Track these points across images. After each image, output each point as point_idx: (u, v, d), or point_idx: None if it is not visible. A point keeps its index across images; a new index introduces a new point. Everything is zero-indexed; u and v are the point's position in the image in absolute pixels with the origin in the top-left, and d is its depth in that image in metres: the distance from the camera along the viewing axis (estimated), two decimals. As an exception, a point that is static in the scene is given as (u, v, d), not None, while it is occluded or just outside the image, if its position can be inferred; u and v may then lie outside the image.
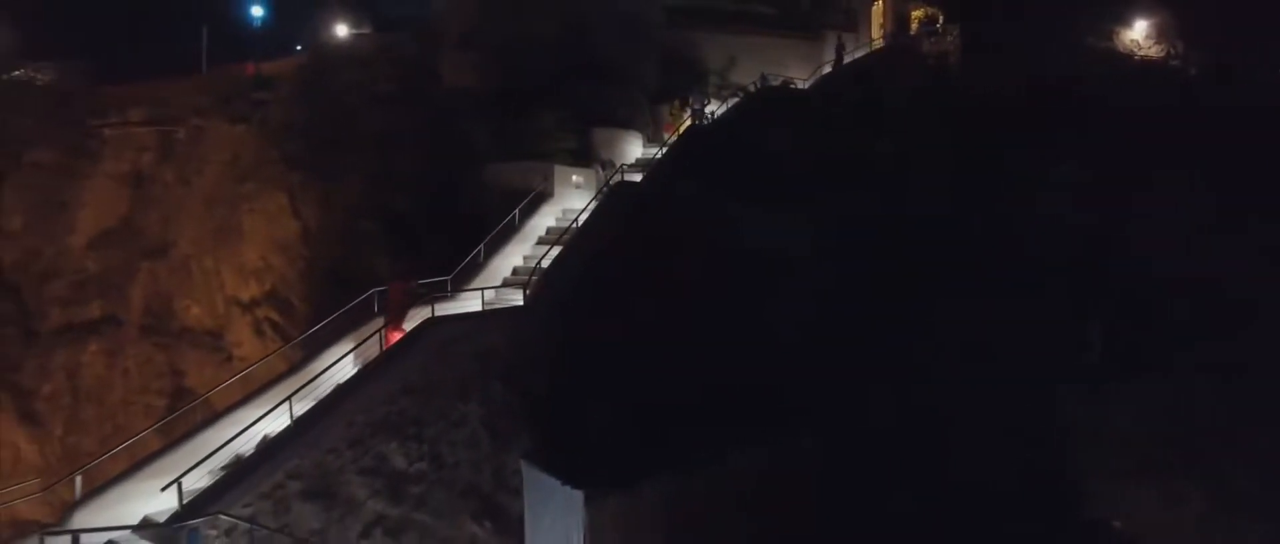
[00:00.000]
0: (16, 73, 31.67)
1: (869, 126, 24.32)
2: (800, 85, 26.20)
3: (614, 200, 17.93)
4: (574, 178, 19.39)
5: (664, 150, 20.85)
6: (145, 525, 10.05)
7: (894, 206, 22.31)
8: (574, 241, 16.43)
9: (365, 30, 27.12)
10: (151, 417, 23.17)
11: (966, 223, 22.60)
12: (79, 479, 10.74)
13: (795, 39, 27.34)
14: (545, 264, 15.97)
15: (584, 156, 20.01)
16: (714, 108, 24.14)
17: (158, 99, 28.68)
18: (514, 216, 17.37)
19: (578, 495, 13.31)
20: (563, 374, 14.60)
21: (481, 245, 16.17)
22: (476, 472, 14.04)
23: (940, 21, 28.24)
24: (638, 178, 19.95)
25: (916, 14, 29.30)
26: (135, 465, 11.22)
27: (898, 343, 18.98)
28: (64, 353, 27.03)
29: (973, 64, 27.74)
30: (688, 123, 22.03)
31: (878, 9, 30.05)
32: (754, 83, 23.98)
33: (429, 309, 13.58)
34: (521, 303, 15.18)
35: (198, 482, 10.73)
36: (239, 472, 10.79)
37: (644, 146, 22.84)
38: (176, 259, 26.60)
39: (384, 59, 25.41)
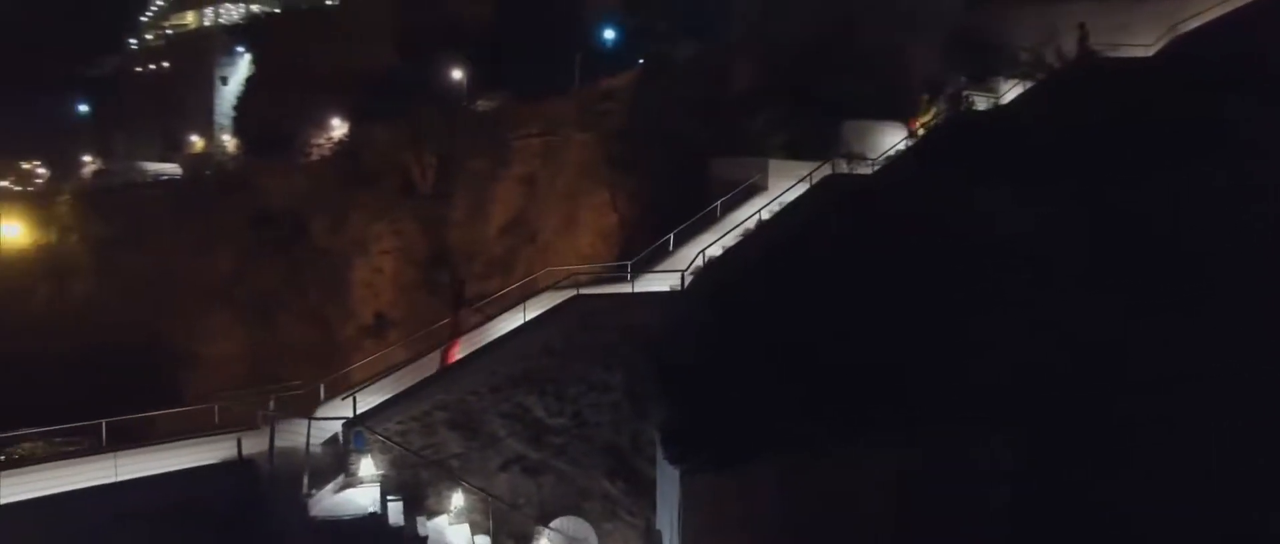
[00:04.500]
0: (474, 104, 41.71)
1: (1219, 98, 19.15)
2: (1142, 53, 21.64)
3: (819, 192, 17.73)
4: (801, 171, 19.46)
5: (910, 142, 19.63)
6: (346, 422, 14.01)
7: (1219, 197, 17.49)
8: (757, 233, 16.87)
9: (692, 43, 29.97)
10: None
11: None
12: (323, 387, 15.37)
13: (1142, -1, 22.47)
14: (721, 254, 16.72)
15: (815, 149, 19.88)
16: (1007, 90, 21.56)
17: (546, 115, 35.52)
18: (716, 208, 18.39)
19: (675, 472, 14.13)
20: (697, 356, 15.35)
21: (670, 235, 17.62)
22: (616, 434, 15.70)
23: None
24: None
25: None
26: (356, 387, 15.51)
27: (1147, 354, 15.23)
28: (475, 315, 35.45)
29: None
30: (933, 114, 20.22)
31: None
32: (1053, 59, 20.67)
33: (574, 288, 15.68)
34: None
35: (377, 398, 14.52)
36: (398, 397, 14.29)
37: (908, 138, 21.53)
38: (541, 244, 32.91)
39: (694, 70, 28.00)
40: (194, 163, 47.18)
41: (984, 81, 22.42)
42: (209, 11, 54.56)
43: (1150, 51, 21.81)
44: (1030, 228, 17.62)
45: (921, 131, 20.15)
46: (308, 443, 12.74)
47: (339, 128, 44.19)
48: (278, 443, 13.17)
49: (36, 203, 48.94)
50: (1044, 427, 15.28)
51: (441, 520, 14.13)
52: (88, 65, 58.25)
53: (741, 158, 19.58)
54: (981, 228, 17.53)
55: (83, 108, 55.83)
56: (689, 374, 15.64)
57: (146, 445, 13.36)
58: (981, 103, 20.63)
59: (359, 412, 13.94)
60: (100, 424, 13.02)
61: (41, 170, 54.38)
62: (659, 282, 16.88)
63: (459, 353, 14.96)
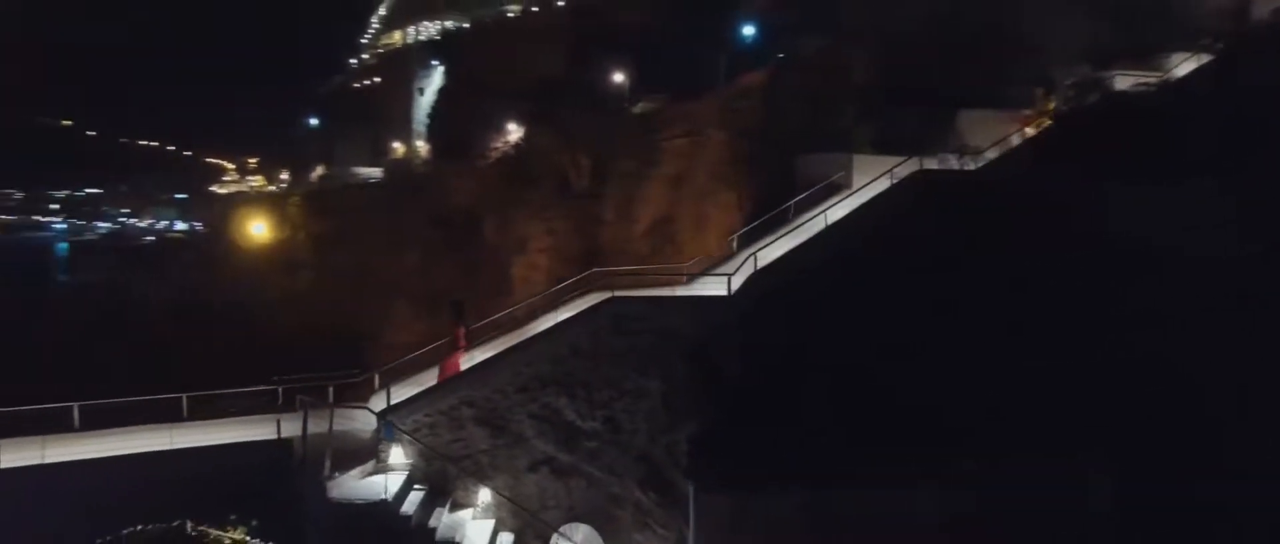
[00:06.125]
0: (633, 106, 42.38)
1: None
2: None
3: (896, 194, 16.03)
4: (893, 167, 17.70)
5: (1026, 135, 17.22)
6: (379, 413, 14.75)
7: None
8: (821, 236, 15.60)
9: (818, 38, 28.22)
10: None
11: None
12: (377, 377, 16.23)
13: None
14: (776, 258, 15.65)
15: (913, 143, 17.94)
16: (1176, 66, 18.33)
17: (691, 115, 35.14)
18: (789, 208, 17.24)
19: (690, 487, 13.32)
20: (735, 367, 14.40)
21: (734, 237, 16.77)
22: (651, 443, 15.07)
23: None
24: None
25: None
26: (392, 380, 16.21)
27: None
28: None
29: None
30: (1053, 104, 17.44)
31: None
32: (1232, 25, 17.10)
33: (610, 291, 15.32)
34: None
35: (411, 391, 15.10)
36: (427, 392, 14.75)
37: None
38: (678, 243, 32.58)
39: (815, 65, 26.49)
40: (394, 167, 52.19)
41: (1146, 58, 19.12)
42: (411, 30, 60.49)
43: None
44: (1171, 238, 14.92)
45: (1043, 123, 17.50)
46: (330, 428, 13.51)
47: (514, 132, 46.77)
48: (316, 428, 14.12)
49: (276, 205, 56.78)
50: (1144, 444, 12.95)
51: (464, 514, 14.32)
52: (319, 84, 67.60)
53: (827, 153, 18.13)
54: (1108, 231, 15.05)
55: (313, 121, 64.39)
56: (724, 385, 14.73)
57: (203, 419, 14.85)
58: (1125, 83, 17.56)
59: (393, 402, 14.60)
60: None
61: (284, 176, 63.10)
62: (718, 285, 16.06)
63: (463, 364, 15.19)
